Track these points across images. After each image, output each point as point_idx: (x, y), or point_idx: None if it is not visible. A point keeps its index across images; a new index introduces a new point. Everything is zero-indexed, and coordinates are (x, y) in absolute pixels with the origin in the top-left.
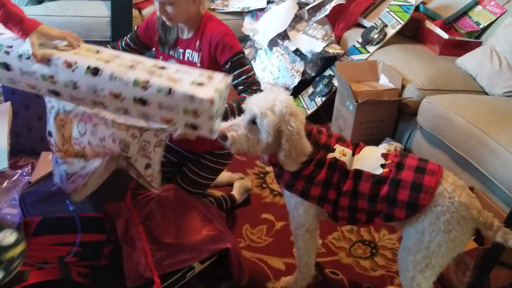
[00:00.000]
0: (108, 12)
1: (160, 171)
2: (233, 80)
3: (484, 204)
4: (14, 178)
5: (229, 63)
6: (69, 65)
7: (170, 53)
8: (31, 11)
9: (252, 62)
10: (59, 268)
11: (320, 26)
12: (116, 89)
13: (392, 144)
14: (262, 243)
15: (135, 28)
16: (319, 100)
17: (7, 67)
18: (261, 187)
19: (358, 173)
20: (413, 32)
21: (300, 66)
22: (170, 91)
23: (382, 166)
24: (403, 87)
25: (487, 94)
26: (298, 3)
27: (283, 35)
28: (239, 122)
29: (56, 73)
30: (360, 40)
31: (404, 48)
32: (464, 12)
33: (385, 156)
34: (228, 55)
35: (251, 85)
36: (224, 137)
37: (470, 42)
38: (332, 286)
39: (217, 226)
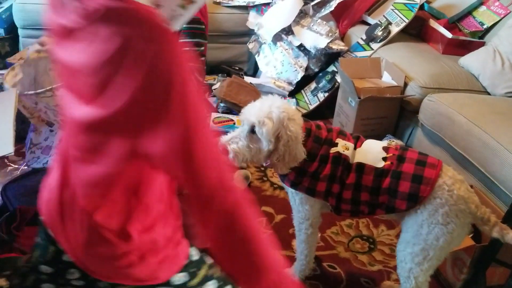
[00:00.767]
0: None
1: None
2: None
3: (483, 203)
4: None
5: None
6: None
7: None
8: (38, 0)
9: (256, 56)
10: None
11: (324, 22)
12: None
13: (393, 141)
14: None
15: None
16: (321, 96)
17: None
18: (261, 180)
19: (361, 166)
20: (417, 30)
21: (303, 61)
22: None
23: (384, 159)
24: (405, 84)
25: (489, 94)
26: None
27: (288, 30)
28: (238, 134)
29: None
30: (364, 37)
31: (408, 46)
32: (469, 12)
33: (386, 149)
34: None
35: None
36: (225, 151)
37: (473, 42)
38: (329, 279)
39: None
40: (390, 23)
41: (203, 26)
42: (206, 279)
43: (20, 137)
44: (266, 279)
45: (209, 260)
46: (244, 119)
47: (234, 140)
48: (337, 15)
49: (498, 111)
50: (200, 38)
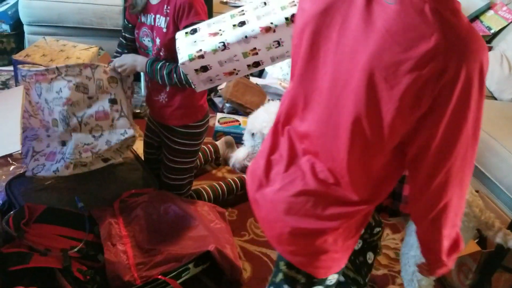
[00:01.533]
0: (121, 1)
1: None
2: None
3: (488, 208)
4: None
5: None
6: (267, 29)
7: (142, 20)
8: None
9: None
10: (62, 259)
11: None
12: None
13: None
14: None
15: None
16: None
17: (205, 68)
18: None
19: None
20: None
21: None
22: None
23: None
24: None
25: (495, 99)
26: None
27: None
28: (254, 149)
29: (256, 42)
30: None
31: None
32: (476, 16)
33: None
34: (191, 20)
35: None
36: (237, 167)
37: None
38: None
39: (201, 230)
40: None
41: None
42: None
43: None
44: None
45: None
46: (256, 132)
47: (252, 157)
48: None
49: (505, 116)
50: None
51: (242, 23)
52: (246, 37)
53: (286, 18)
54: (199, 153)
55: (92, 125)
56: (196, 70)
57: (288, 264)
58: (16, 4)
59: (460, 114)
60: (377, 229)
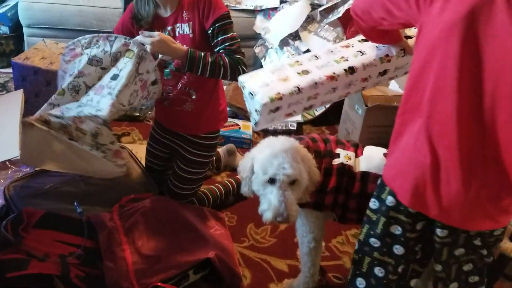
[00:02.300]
0: (121, 4)
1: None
2: (216, 46)
3: None
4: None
5: (213, 28)
6: (331, 78)
7: None
8: None
9: (263, 60)
10: (60, 265)
11: (332, 28)
12: (365, 74)
13: None
14: (266, 243)
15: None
16: None
17: (277, 109)
18: None
19: (365, 175)
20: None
21: None
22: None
23: None
24: None
25: None
26: (311, 4)
27: (295, 35)
28: (281, 195)
29: (321, 88)
30: None
31: None
32: None
33: (387, 155)
34: (214, 17)
35: (234, 53)
36: (282, 216)
37: None
38: None
39: (201, 236)
40: None
41: None
42: None
43: None
44: None
45: None
46: (278, 177)
47: (283, 202)
48: (345, 21)
49: None
50: None
51: (306, 72)
52: (316, 83)
53: (345, 70)
54: None
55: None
56: (270, 111)
57: None
58: (15, 6)
59: None
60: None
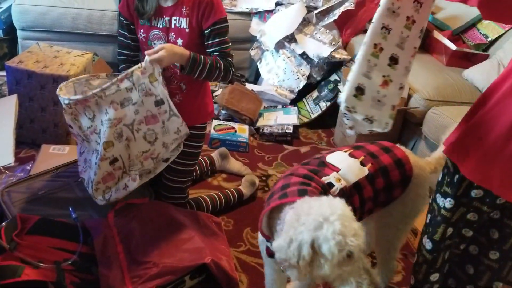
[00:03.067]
0: (116, 6)
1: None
2: (210, 47)
3: None
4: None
5: (212, 29)
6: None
7: (153, 23)
8: (37, 1)
9: (258, 63)
10: (55, 272)
11: (327, 31)
12: None
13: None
14: None
15: (119, 12)
16: (323, 105)
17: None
18: (263, 190)
19: (357, 185)
20: (420, 41)
21: (306, 69)
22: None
23: (362, 164)
24: (409, 96)
25: None
26: (306, 7)
27: (290, 38)
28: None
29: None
30: None
31: None
32: (473, 24)
33: (353, 155)
34: (215, 19)
35: (226, 56)
36: None
37: (477, 55)
38: None
39: (197, 241)
40: None
41: None
42: None
43: (17, 142)
44: None
45: None
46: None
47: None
48: (341, 24)
49: None
50: None
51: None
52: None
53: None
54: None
55: (145, 130)
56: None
57: None
58: (9, 8)
59: None
60: None
